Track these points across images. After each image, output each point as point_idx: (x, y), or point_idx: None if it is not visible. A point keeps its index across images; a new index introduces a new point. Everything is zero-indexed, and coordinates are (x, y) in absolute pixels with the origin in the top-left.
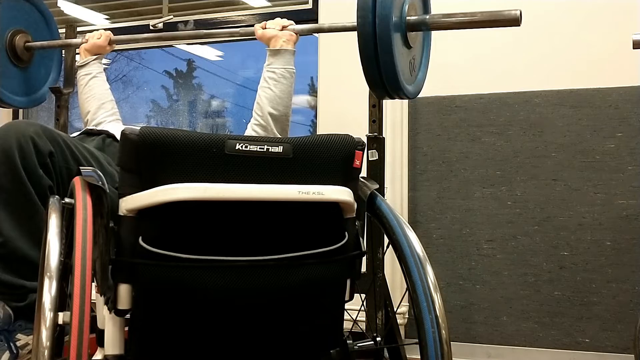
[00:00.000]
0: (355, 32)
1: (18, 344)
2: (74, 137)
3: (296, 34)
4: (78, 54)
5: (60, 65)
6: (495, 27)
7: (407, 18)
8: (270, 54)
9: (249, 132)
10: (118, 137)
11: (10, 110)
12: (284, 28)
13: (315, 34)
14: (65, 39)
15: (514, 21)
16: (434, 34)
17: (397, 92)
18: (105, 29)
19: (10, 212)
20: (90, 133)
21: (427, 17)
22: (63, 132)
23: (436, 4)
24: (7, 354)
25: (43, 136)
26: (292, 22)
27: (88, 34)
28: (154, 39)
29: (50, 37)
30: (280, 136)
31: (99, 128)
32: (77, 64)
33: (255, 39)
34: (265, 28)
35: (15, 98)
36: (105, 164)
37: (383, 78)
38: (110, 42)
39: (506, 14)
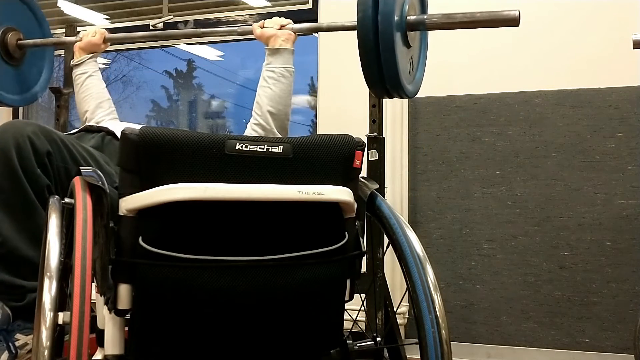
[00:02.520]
0: (355, 32)
1: (17, 343)
2: (73, 134)
3: (294, 33)
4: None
5: (53, 64)
6: (494, 27)
7: (407, 17)
8: (269, 53)
9: (248, 131)
10: (117, 134)
11: (10, 110)
12: (282, 27)
13: (315, 34)
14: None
15: (513, 21)
16: (434, 33)
17: (397, 91)
18: (101, 28)
19: (8, 211)
20: (89, 130)
21: (426, 16)
22: (61, 132)
23: (435, 3)
24: (6, 354)
25: (41, 136)
26: (290, 21)
27: (82, 32)
28: (149, 37)
29: (42, 36)
30: (280, 135)
31: (97, 126)
32: (71, 62)
33: (254, 38)
34: (264, 27)
35: (7, 96)
36: (104, 164)
37: (384, 77)
38: (105, 40)
39: (505, 15)
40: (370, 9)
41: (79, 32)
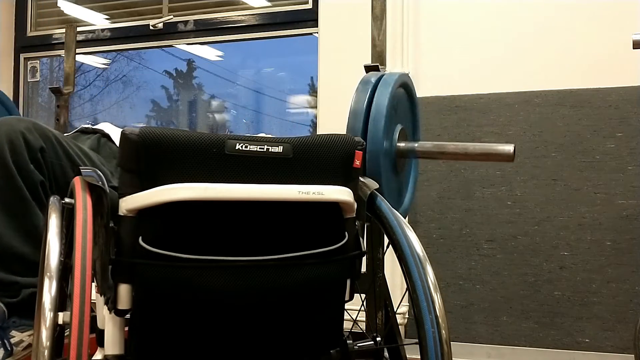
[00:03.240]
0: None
1: (12, 340)
2: (68, 135)
3: None
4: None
5: None
6: (488, 161)
7: (397, 145)
8: None
9: None
10: (113, 137)
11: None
12: None
13: (315, 34)
14: (66, 39)
15: (508, 157)
16: (435, 33)
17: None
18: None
19: (1, 208)
20: (84, 131)
21: (417, 145)
22: (62, 132)
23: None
24: (1, 351)
25: (34, 132)
26: None
27: None
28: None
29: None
30: None
31: (93, 127)
32: None
33: (256, 38)
34: None
35: None
36: (99, 163)
37: None
38: None
39: (500, 149)
40: (359, 135)
41: (79, 32)
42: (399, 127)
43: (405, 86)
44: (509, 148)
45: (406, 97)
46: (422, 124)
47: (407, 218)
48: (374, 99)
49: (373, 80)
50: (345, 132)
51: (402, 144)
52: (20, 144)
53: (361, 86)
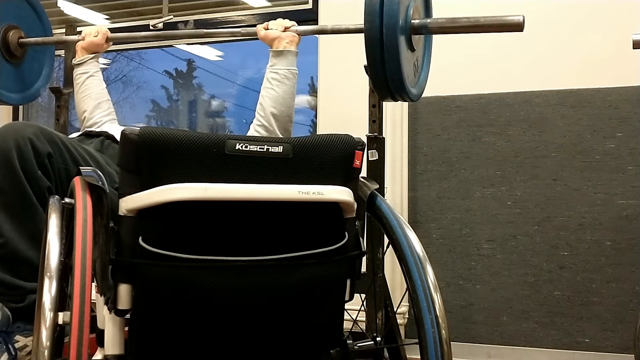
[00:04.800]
0: (356, 34)
1: (17, 345)
2: (73, 138)
3: (298, 34)
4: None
5: (53, 59)
6: (498, 32)
7: (412, 21)
8: (273, 55)
9: (251, 132)
10: (117, 138)
11: (10, 110)
12: (286, 29)
13: (315, 34)
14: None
15: (517, 26)
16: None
17: (401, 94)
18: (103, 27)
19: (9, 213)
20: (89, 135)
21: (430, 20)
22: (62, 133)
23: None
24: (5, 356)
25: (41, 137)
26: (294, 22)
27: (85, 30)
28: (152, 37)
29: (42, 32)
30: (282, 136)
31: (97, 130)
32: (73, 61)
33: (256, 38)
34: (268, 29)
35: (8, 95)
36: (105, 165)
37: (388, 81)
38: (108, 40)
39: (509, 20)
40: (376, 13)
41: (80, 31)
42: (412, 4)
43: None
44: (518, 18)
45: None
46: (422, 124)
47: (407, 216)
48: None
49: None
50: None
51: (416, 20)
52: (28, 149)
53: None
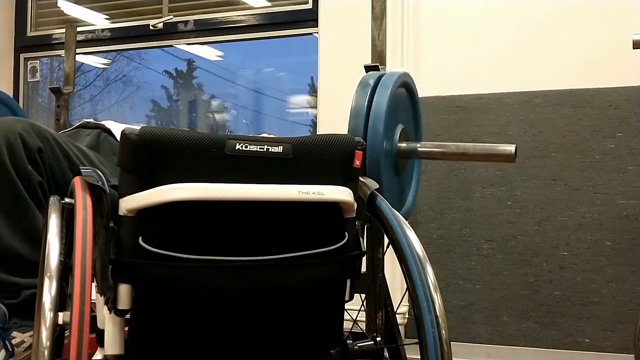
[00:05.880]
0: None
1: (14, 341)
2: (69, 131)
3: None
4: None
5: None
6: (489, 162)
7: (399, 146)
8: None
9: None
10: (114, 132)
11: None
12: None
13: (316, 34)
14: (66, 39)
15: (509, 157)
16: (434, 31)
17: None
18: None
19: (0, 209)
20: (86, 127)
21: (419, 146)
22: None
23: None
24: (2, 352)
25: (32, 132)
26: None
27: None
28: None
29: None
30: None
31: (94, 122)
32: None
33: (256, 38)
34: None
35: None
36: (98, 163)
37: None
38: None
39: (501, 150)
40: (361, 137)
41: (79, 32)
42: (400, 128)
43: (405, 85)
44: (510, 148)
45: (407, 96)
46: (422, 124)
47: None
48: (373, 101)
49: (371, 82)
50: (346, 133)
51: (403, 145)
52: (18, 145)
53: (360, 88)
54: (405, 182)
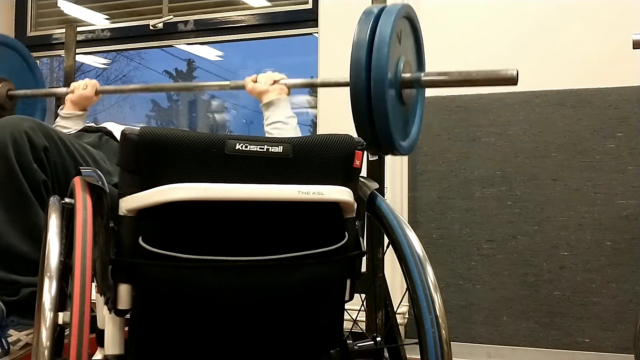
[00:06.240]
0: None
1: (10, 339)
2: (71, 134)
3: (288, 88)
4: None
5: (45, 111)
6: (492, 86)
7: (402, 75)
8: (265, 108)
9: None
10: (115, 134)
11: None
12: (275, 82)
13: (315, 34)
14: (66, 39)
15: (511, 80)
16: (434, 32)
17: (391, 149)
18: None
19: (3, 206)
20: (87, 130)
21: (422, 74)
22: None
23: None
24: None
25: (38, 131)
26: (283, 76)
27: (73, 84)
28: (140, 89)
29: (34, 84)
30: None
31: (95, 125)
32: (60, 112)
33: (257, 38)
34: (256, 82)
35: None
36: (101, 161)
37: (377, 136)
38: (97, 93)
39: (503, 74)
40: (363, 70)
41: (79, 32)
42: (403, 58)
43: (408, 18)
44: (511, 72)
45: (410, 29)
46: (422, 124)
47: (407, 216)
48: (377, 29)
49: (375, 10)
50: (346, 133)
51: (407, 75)
52: (24, 143)
53: (364, 16)
54: (409, 113)
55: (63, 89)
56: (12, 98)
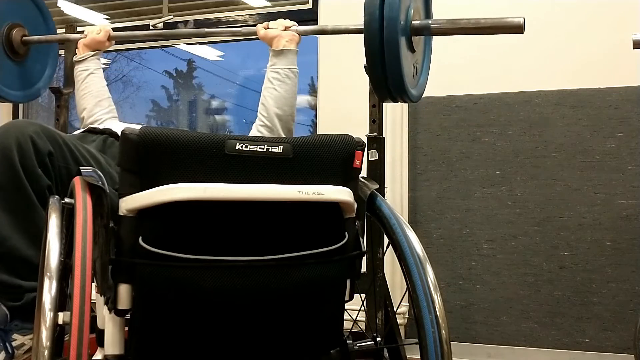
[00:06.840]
0: (356, 34)
1: (14, 344)
2: (75, 135)
3: (299, 34)
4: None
5: (56, 61)
6: (499, 34)
7: (412, 22)
8: (274, 55)
9: (253, 132)
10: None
11: (10, 109)
12: (286, 28)
13: (316, 34)
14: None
15: (518, 28)
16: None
17: (401, 95)
18: (105, 25)
19: (8, 211)
20: (92, 131)
21: (431, 22)
22: (63, 132)
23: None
24: (2, 354)
25: (43, 136)
26: (294, 23)
27: (87, 29)
28: (154, 36)
29: (47, 32)
30: (284, 136)
31: (100, 127)
32: (75, 58)
33: (256, 38)
34: (268, 28)
35: (10, 92)
36: (106, 165)
37: (388, 81)
38: (110, 38)
39: (509, 21)
40: (377, 13)
41: (82, 31)
42: (412, 5)
43: None
44: (518, 20)
45: None
46: (422, 124)
47: (407, 216)
48: None
49: None
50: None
51: (416, 22)
52: (28, 148)
53: None
54: (418, 62)
55: (76, 35)
56: (26, 44)
